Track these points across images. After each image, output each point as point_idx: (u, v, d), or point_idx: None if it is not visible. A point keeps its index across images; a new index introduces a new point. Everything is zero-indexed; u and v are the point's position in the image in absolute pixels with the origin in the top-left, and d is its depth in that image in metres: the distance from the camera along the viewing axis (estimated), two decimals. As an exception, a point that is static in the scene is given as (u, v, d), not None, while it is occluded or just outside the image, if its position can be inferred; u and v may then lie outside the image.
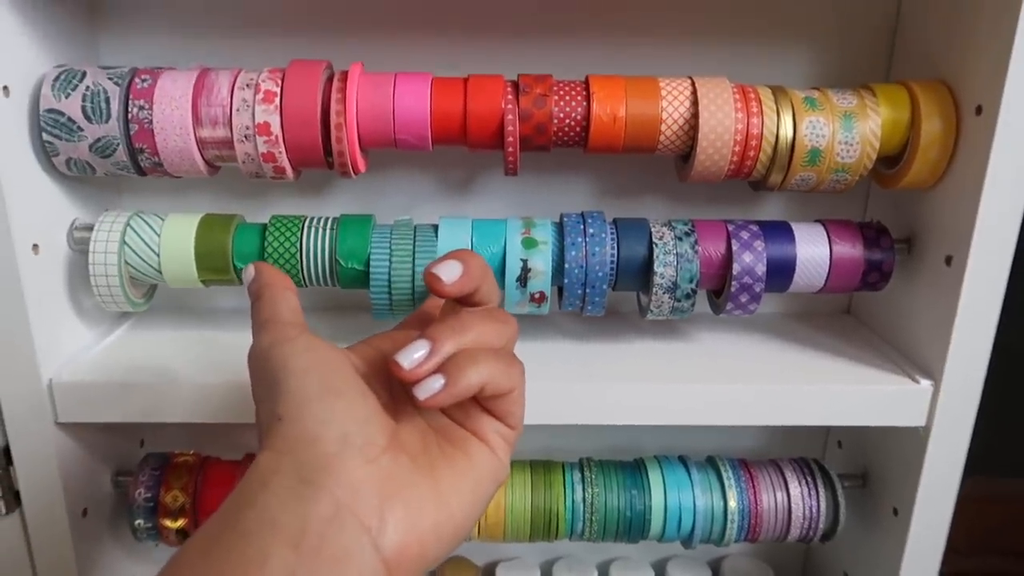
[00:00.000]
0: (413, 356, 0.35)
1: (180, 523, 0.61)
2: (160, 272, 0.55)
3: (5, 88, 0.49)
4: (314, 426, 0.33)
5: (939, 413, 0.56)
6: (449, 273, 0.38)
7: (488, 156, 0.62)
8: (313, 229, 0.56)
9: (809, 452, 0.68)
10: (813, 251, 0.57)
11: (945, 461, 0.57)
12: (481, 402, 0.38)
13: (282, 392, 0.34)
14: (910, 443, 0.58)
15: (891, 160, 0.57)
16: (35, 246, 0.52)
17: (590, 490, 0.62)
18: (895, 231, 0.59)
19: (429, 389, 0.34)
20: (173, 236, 0.55)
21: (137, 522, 0.61)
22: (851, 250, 0.57)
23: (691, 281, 0.56)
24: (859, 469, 0.67)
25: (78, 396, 0.54)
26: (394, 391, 0.39)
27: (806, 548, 0.78)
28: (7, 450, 0.54)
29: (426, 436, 0.37)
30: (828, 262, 0.57)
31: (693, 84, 0.54)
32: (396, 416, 0.37)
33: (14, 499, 0.55)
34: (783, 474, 0.64)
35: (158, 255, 0.55)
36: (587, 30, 0.61)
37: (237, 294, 0.68)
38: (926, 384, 0.56)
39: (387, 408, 0.37)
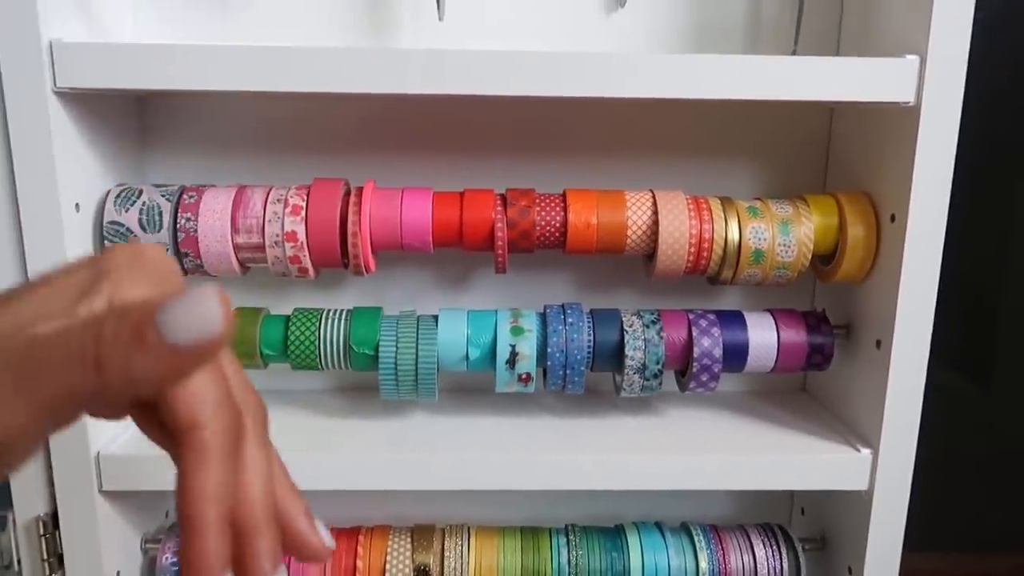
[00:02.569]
0: None
1: (202, 586, 0.67)
2: (196, 358, 0.64)
3: (77, 205, 0.58)
4: None
5: (879, 477, 0.63)
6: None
7: (480, 256, 0.72)
8: (329, 320, 0.65)
9: (776, 518, 0.75)
10: (763, 336, 0.66)
11: (888, 520, 0.64)
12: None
13: None
14: (858, 507, 0.66)
15: (827, 258, 0.66)
16: (92, 336, 0.60)
17: (575, 553, 0.69)
18: (836, 318, 0.68)
19: None
20: (209, 327, 0.64)
21: (163, 585, 0.67)
22: (796, 336, 0.66)
23: (658, 363, 0.64)
24: (818, 533, 0.73)
25: (121, 467, 0.61)
26: None
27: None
28: (55, 515, 0.61)
29: None
30: (776, 346, 0.66)
31: (653, 196, 0.64)
32: None
33: (58, 562, 0.62)
34: (749, 538, 0.70)
35: (196, 343, 0.63)
36: (564, 150, 0.72)
37: (261, 376, 0.76)
38: (866, 452, 0.63)
39: None
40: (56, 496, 0.61)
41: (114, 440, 0.63)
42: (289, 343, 0.64)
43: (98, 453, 0.61)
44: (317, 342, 0.64)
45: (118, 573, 0.65)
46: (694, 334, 0.65)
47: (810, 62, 0.57)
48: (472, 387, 0.76)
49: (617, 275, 0.74)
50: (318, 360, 0.64)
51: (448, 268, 0.74)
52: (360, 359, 0.64)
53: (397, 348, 0.63)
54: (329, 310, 0.65)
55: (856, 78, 0.57)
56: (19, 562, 0.63)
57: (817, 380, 0.76)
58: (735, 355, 0.66)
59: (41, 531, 0.61)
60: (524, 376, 0.64)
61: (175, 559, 0.67)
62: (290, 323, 0.64)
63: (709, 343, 0.65)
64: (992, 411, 0.91)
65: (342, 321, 0.65)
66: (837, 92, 0.57)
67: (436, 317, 0.66)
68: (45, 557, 0.61)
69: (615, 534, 0.71)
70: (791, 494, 0.80)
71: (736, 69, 0.56)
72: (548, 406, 0.73)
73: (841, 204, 0.64)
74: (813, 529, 0.75)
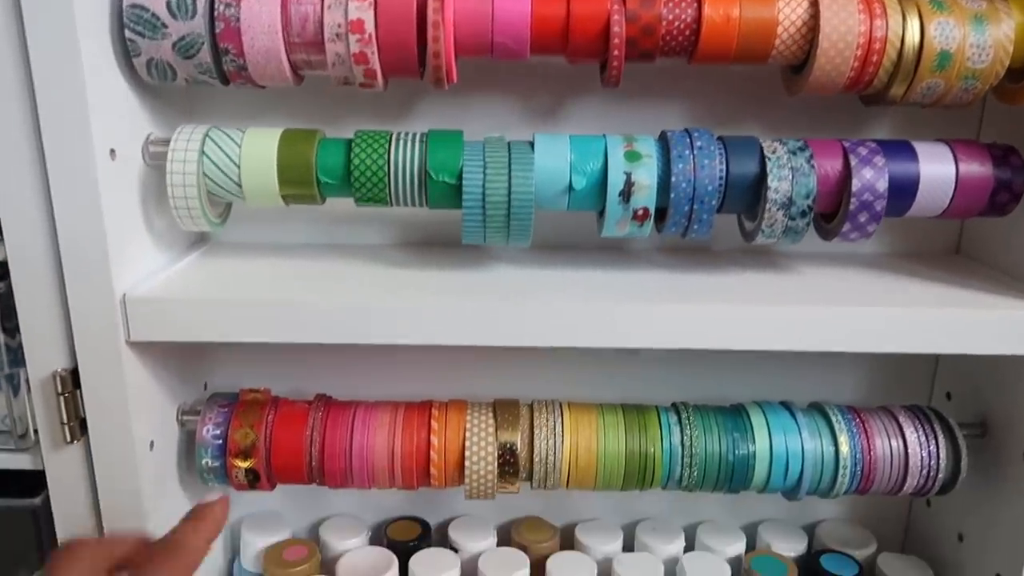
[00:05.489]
0: None
1: (249, 463, 0.57)
2: (240, 186, 0.52)
3: (89, -25, 0.46)
4: None
5: (1078, 342, 0.51)
6: None
7: (576, 79, 0.59)
8: (401, 142, 0.52)
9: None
10: (938, 169, 0.53)
11: (1086, 396, 0.52)
12: None
13: None
14: (1041, 382, 0.54)
15: (1014, 74, 0.53)
16: (112, 151, 0.49)
17: (688, 433, 0.58)
18: (1018, 154, 0.55)
19: None
20: (254, 148, 0.52)
21: (204, 460, 0.57)
22: (979, 168, 0.53)
23: (807, 196, 0.52)
24: (975, 418, 0.62)
25: (152, 313, 0.50)
26: None
27: (908, 513, 0.72)
28: (75, 373, 0.51)
29: None
30: (954, 180, 0.53)
31: (811, -16, 0.51)
32: None
33: (80, 427, 0.52)
34: (897, 420, 0.59)
35: (238, 167, 0.52)
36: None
37: (319, 228, 0.64)
38: (1062, 311, 0.51)
39: None
40: (75, 348, 0.50)
41: (143, 281, 0.52)
42: (353, 169, 0.52)
43: (124, 295, 0.50)
44: (386, 167, 0.52)
45: (152, 443, 0.54)
46: (852, 164, 0.52)
47: None
48: (565, 242, 0.64)
49: (739, 105, 0.61)
50: (387, 191, 0.52)
51: (537, 96, 0.61)
52: (439, 190, 0.52)
53: (485, 175, 0.51)
54: (399, 132, 0.53)
55: None
56: (35, 432, 0.53)
57: (975, 240, 0.63)
58: (902, 191, 0.53)
59: (59, 388, 0.50)
60: (640, 212, 0.52)
61: (217, 431, 0.57)
62: (353, 146, 0.52)
63: (872, 175, 0.52)
64: None
65: (417, 144, 0.52)
66: None
67: (531, 143, 0.53)
68: (65, 420, 0.51)
69: (735, 414, 0.60)
70: (932, 376, 0.68)
71: None
72: (657, 262, 0.61)
73: (1051, -4, 0.50)
74: (965, 415, 0.63)
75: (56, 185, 0.47)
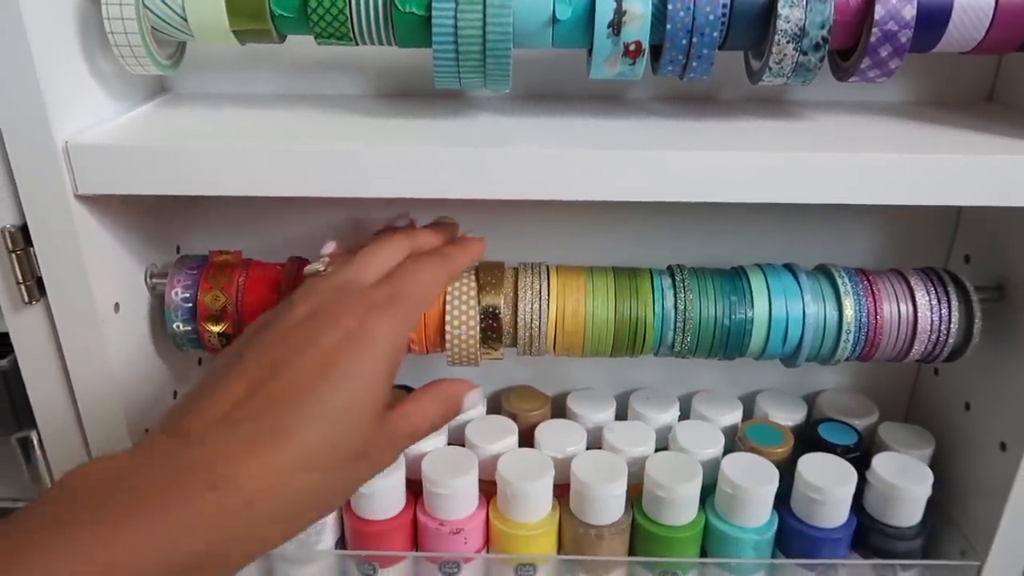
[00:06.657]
0: None
1: (221, 327, 0.55)
2: (185, 20, 0.47)
3: None
4: None
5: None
6: None
7: None
8: (363, -30, 0.46)
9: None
10: (974, -7, 0.46)
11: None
12: None
13: None
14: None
15: None
16: (37, -23, 0.43)
17: (683, 296, 0.54)
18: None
19: None
20: (199, -25, 0.46)
21: (175, 325, 0.55)
22: (1023, -9, 0.46)
23: (822, 27, 0.45)
24: (993, 282, 0.58)
25: (99, 163, 0.46)
26: None
27: (915, 382, 0.70)
28: (25, 229, 0.48)
29: None
30: (993, 4, 0.46)
31: None
32: None
33: (37, 286, 0.49)
34: (908, 283, 0.55)
35: (182, -4, 0.46)
36: None
37: (276, 78, 0.60)
38: (1105, 155, 0.46)
39: None
40: (22, 203, 0.47)
41: (90, 128, 0.48)
42: (310, 2, 0.46)
43: (66, 143, 0.46)
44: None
45: (117, 305, 0.52)
46: (876, -12, 0.46)
47: None
48: (555, 91, 0.59)
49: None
50: (350, 25, 0.47)
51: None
52: (406, 23, 0.47)
53: (457, 4, 0.46)
54: (362, -42, 0.47)
55: None
56: (-3, 295, 0.50)
57: (1015, 85, 0.57)
58: (932, 20, 0.46)
59: (9, 245, 0.48)
60: (632, 47, 0.46)
61: (186, 294, 0.55)
62: (309, -26, 0.46)
63: (898, 0, 0.45)
64: None
65: (380, -30, 0.46)
66: None
67: (510, -32, 0.47)
68: (21, 279, 0.48)
69: (734, 276, 0.56)
70: (951, 238, 0.64)
71: None
72: (656, 111, 0.56)
73: None
74: (982, 278, 0.59)
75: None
